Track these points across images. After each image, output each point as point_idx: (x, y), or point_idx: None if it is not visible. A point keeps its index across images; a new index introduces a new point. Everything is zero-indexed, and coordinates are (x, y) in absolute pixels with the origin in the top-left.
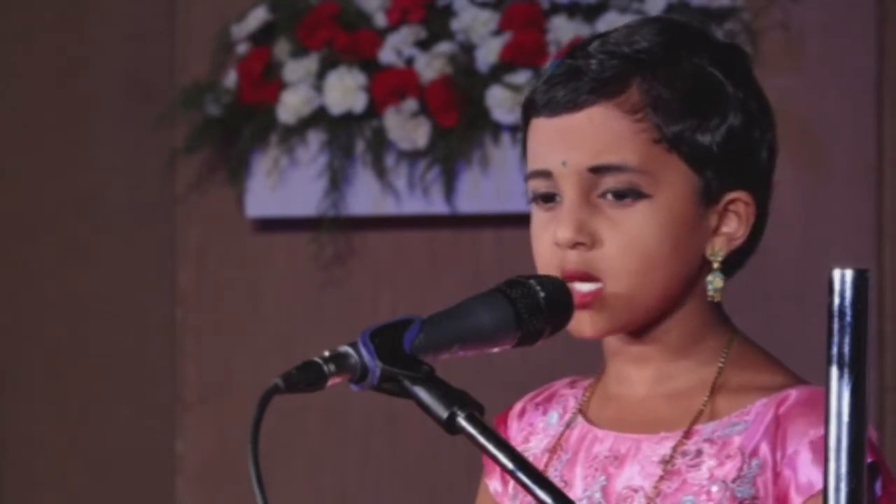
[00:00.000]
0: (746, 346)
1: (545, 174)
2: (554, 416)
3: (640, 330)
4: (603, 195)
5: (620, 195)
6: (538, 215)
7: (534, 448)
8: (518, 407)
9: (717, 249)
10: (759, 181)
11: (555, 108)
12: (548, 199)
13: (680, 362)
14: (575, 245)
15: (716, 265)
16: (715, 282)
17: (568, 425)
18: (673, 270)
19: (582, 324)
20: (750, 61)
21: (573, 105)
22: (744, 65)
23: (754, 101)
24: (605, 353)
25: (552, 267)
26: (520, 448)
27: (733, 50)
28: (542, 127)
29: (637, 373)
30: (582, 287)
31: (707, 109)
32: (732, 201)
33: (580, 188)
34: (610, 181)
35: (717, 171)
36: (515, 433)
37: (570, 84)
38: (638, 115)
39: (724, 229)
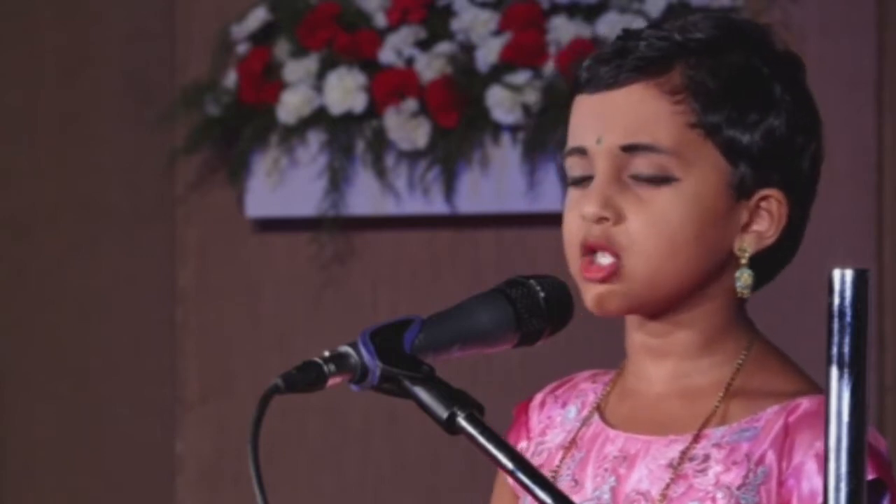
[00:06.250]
0: (766, 349)
1: (580, 151)
2: (572, 410)
3: (661, 318)
4: (634, 176)
5: (650, 178)
6: (571, 193)
7: (549, 442)
8: (539, 398)
9: (746, 245)
10: (797, 186)
11: (597, 84)
12: (581, 181)
13: (698, 361)
14: (599, 219)
15: (743, 261)
16: (743, 277)
17: (584, 422)
18: (695, 258)
19: (598, 298)
20: (804, 71)
21: (614, 82)
22: (797, 72)
23: (801, 108)
24: (627, 348)
25: (576, 240)
26: (537, 440)
27: (788, 56)
28: (582, 104)
29: (655, 369)
30: (600, 260)
31: (748, 104)
32: (765, 198)
33: (612, 166)
34: (641, 161)
35: (751, 166)
36: (535, 424)
37: (615, 62)
38: (677, 97)
39: (755, 227)
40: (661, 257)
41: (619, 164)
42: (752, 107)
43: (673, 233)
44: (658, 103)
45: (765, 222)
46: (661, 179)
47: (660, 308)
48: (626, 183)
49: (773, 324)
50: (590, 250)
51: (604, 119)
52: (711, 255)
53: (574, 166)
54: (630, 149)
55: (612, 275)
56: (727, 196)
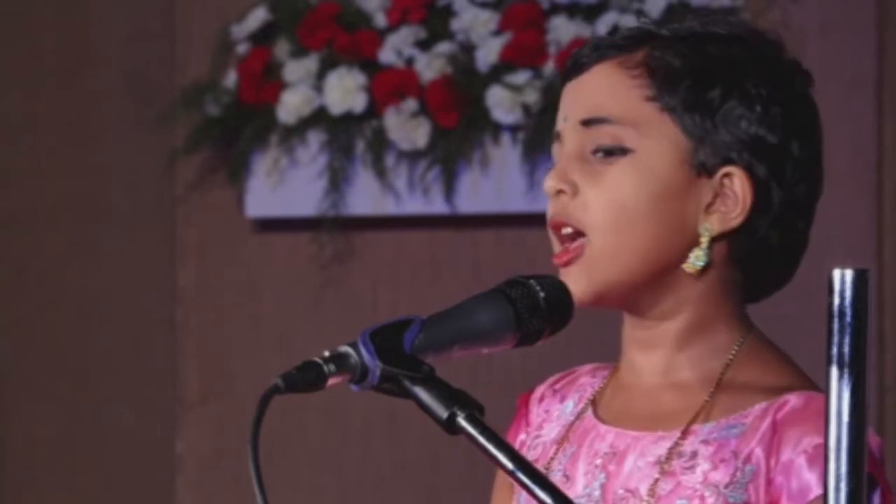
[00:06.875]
0: (760, 343)
1: (557, 136)
2: (570, 404)
3: (644, 309)
4: (595, 150)
5: (608, 151)
6: None
7: (545, 437)
8: (539, 391)
9: (709, 225)
10: (777, 177)
11: (573, 69)
12: None
13: (687, 352)
14: (557, 193)
15: (703, 241)
16: (695, 253)
17: (578, 416)
18: (654, 234)
19: (568, 285)
20: (803, 82)
21: (586, 66)
22: (791, 81)
23: (781, 105)
24: (622, 342)
25: (550, 224)
26: (534, 433)
27: (785, 64)
28: (563, 92)
29: (644, 361)
30: (566, 244)
31: (709, 86)
32: (728, 175)
33: (575, 143)
34: (597, 135)
35: (712, 143)
36: (534, 417)
37: (592, 48)
38: (635, 71)
39: (719, 207)
40: (619, 233)
41: (581, 140)
42: (713, 88)
43: (626, 205)
44: (617, 78)
45: (729, 202)
46: (617, 151)
47: (632, 293)
48: (587, 159)
49: (773, 324)
50: (555, 228)
51: (572, 100)
52: (673, 234)
53: (555, 153)
54: (588, 123)
55: (577, 257)
56: (685, 171)
